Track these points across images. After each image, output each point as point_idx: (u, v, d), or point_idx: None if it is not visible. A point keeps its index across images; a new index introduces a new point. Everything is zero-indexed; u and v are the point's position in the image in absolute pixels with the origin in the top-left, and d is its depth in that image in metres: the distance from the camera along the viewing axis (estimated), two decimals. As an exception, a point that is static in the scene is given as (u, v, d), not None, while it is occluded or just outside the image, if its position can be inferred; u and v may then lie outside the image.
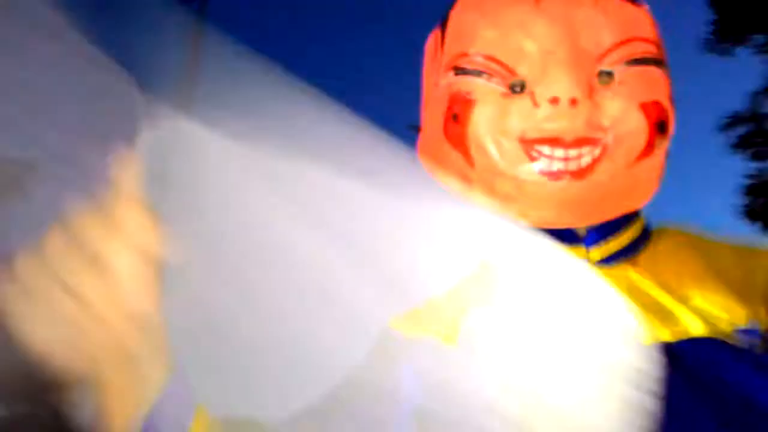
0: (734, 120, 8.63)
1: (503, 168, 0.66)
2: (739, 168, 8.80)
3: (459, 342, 0.61)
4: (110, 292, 0.50)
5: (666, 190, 0.73)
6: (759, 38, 8.52)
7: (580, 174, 0.65)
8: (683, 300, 0.65)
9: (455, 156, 0.69)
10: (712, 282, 0.66)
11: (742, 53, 8.74)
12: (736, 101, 8.89)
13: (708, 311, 0.64)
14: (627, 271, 0.68)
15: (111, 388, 0.55)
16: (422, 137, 0.75)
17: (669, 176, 0.72)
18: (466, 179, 0.69)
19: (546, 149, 0.65)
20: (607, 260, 0.69)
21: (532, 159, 0.65)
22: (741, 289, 0.66)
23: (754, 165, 8.68)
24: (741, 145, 8.66)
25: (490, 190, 0.68)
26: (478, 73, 0.68)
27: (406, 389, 0.57)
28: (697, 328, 0.63)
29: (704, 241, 0.72)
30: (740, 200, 8.65)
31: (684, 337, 0.63)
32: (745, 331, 0.63)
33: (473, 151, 0.67)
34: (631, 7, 0.69)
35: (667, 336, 0.62)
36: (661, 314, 0.64)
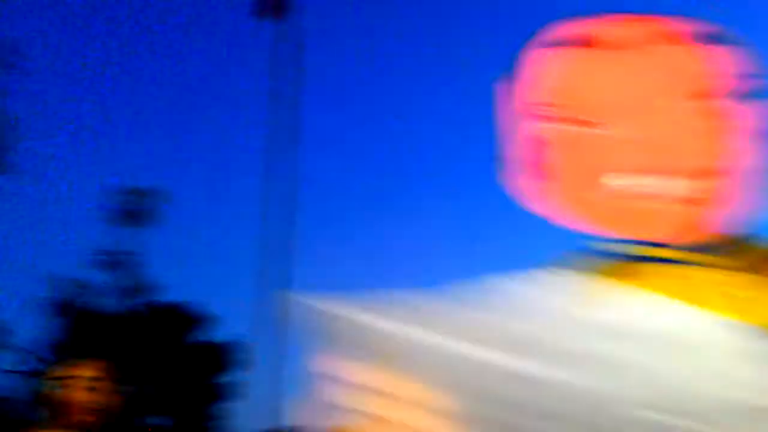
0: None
1: (606, 195, 0.74)
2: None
3: None
4: None
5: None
6: None
7: (681, 200, 0.73)
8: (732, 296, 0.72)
9: (548, 188, 0.78)
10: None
11: None
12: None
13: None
14: (707, 271, 0.75)
15: None
16: (511, 172, 0.82)
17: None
18: (562, 207, 0.78)
19: (641, 180, 0.73)
20: (691, 263, 0.76)
21: (631, 188, 0.73)
22: None
23: None
24: None
25: (596, 214, 0.77)
26: (567, 119, 0.75)
27: None
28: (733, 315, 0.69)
29: None
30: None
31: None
32: None
33: (569, 183, 0.77)
34: (705, 50, 0.75)
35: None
36: (723, 302, 0.71)
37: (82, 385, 2.57)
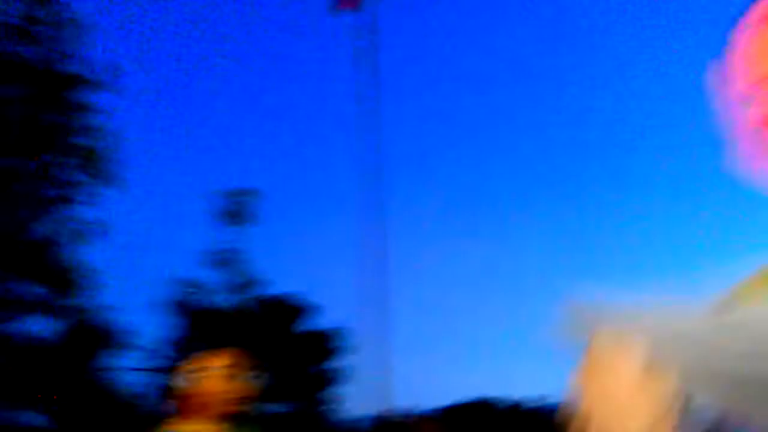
0: None
1: None
2: None
3: None
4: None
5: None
6: None
7: None
8: None
9: None
10: None
11: None
12: None
13: None
14: None
15: None
16: (740, 157, 0.79)
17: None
18: None
19: None
20: None
21: None
22: None
23: None
24: None
25: None
26: None
27: None
28: None
29: None
30: None
31: None
32: None
33: None
34: None
35: None
36: None
37: (219, 374, 2.74)
